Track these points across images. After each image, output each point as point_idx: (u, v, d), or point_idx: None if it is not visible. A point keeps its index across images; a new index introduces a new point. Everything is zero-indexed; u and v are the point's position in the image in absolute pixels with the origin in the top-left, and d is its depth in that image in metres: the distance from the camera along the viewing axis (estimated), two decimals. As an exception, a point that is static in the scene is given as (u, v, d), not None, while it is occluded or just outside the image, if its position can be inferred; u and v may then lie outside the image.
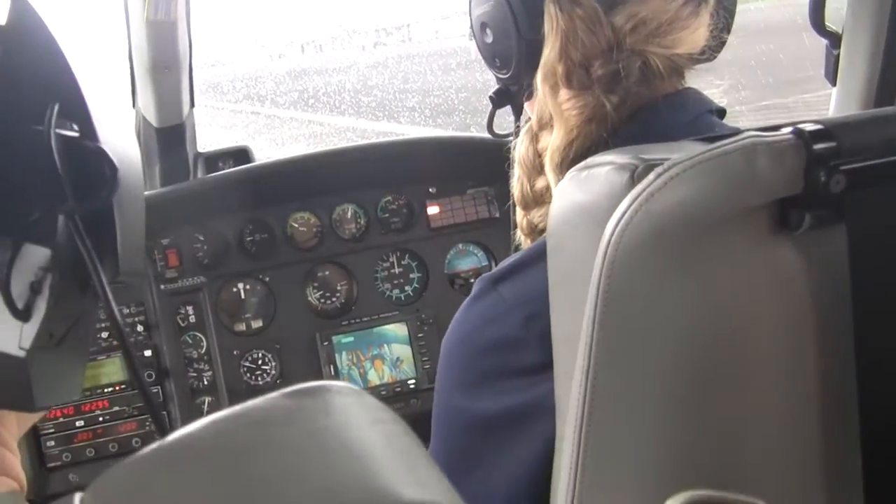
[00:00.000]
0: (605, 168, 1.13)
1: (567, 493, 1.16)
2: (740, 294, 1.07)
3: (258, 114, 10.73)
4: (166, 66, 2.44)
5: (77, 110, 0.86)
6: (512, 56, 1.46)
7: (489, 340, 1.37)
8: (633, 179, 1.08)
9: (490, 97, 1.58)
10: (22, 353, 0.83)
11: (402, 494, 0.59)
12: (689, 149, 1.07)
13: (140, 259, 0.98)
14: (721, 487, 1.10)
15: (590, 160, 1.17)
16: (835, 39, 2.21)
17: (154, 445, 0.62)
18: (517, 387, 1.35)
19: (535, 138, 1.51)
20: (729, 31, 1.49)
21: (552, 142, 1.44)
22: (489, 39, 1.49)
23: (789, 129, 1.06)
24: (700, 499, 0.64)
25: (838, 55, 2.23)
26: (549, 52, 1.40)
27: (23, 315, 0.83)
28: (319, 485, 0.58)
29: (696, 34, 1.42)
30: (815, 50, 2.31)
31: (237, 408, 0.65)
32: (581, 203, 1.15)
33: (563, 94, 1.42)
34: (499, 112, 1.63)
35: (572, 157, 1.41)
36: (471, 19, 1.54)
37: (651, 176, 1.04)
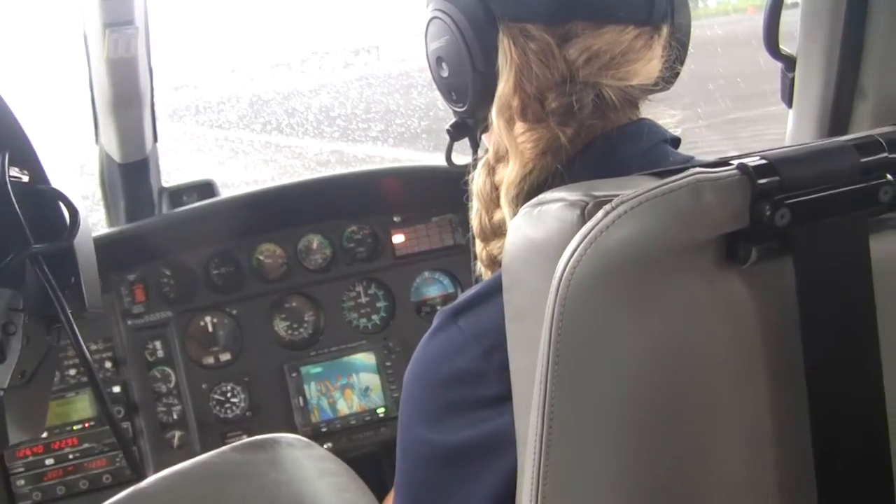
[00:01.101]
0: (556, 205, 1.13)
1: None
2: (691, 327, 1.08)
3: (227, 139, 10.72)
4: (128, 102, 2.45)
5: (26, 156, 0.87)
6: (467, 90, 1.47)
7: (450, 373, 1.38)
8: (584, 216, 1.09)
9: (447, 130, 1.59)
10: (0, 393, 0.84)
11: None
12: (638, 184, 1.08)
13: (98, 293, 0.99)
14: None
15: (542, 196, 1.18)
16: (789, 63, 2.23)
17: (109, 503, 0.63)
18: (479, 419, 1.35)
19: (491, 171, 1.52)
20: (682, 63, 1.51)
21: (507, 175, 1.45)
22: (445, 73, 1.50)
23: (734, 164, 1.08)
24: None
25: (793, 78, 2.25)
26: (504, 85, 1.41)
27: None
28: None
29: (650, 66, 1.44)
30: (774, 64, 2.33)
31: (187, 463, 0.66)
32: (534, 239, 1.16)
33: (519, 126, 1.44)
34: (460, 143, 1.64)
35: (527, 189, 1.43)
36: (426, 53, 1.55)
37: (600, 213, 1.05)
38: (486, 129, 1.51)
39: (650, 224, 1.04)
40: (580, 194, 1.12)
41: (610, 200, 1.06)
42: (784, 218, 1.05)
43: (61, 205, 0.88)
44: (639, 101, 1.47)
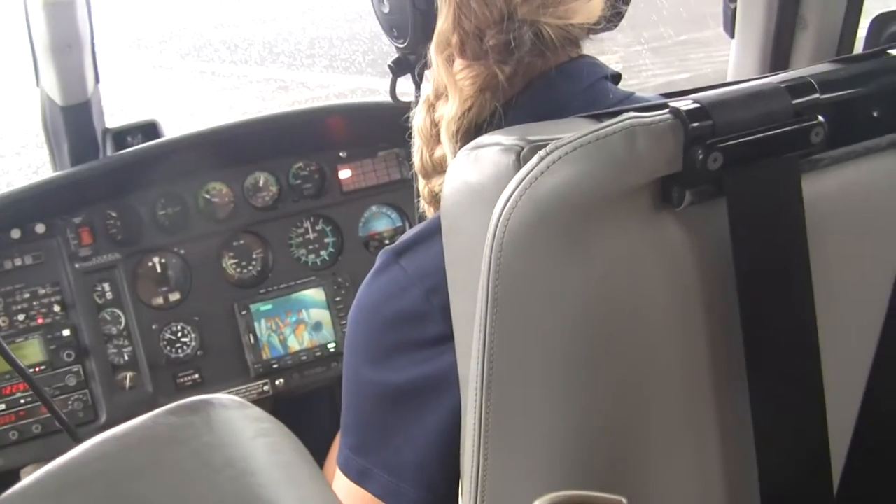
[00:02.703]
0: (492, 149, 1.14)
1: (472, 464, 1.19)
2: (628, 272, 1.09)
3: (171, 68, 10.61)
4: (67, 45, 2.42)
5: None
6: (407, 26, 1.46)
7: (392, 314, 1.39)
8: (519, 161, 1.10)
9: (389, 66, 1.59)
10: None
11: None
12: (575, 127, 1.09)
13: None
14: (618, 465, 1.13)
15: (479, 140, 1.18)
16: (731, -8, 2.24)
17: (41, 472, 0.63)
18: (422, 358, 1.36)
19: (431, 108, 1.53)
20: (627, 2, 1.51)
21: (447, 112, 1.45)
22: (385, 9, 1.50)
23: (668, 108, 1.08)
24: (565, 499, 0.66)
25: (735, 9, 2.26)
26: (443, 22, 1.41)
27: None
28: None
29: (591, 4, 1.43)
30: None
31: (122, 427, 0.66)
32: (471, 183, 1.17)
33: (458, 64, 1.44)
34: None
35: (466, 126, 1.44)
36: None
37: (534, 159, 1.06)
38: (427, 65, 1.51)
39: (584, 170, 1.04)
40: (516, 139, 1.13)
41: (545, 145, 1.07)
42: (717, 162, 1.06)
43: None
44: (580, 39, 1.47)
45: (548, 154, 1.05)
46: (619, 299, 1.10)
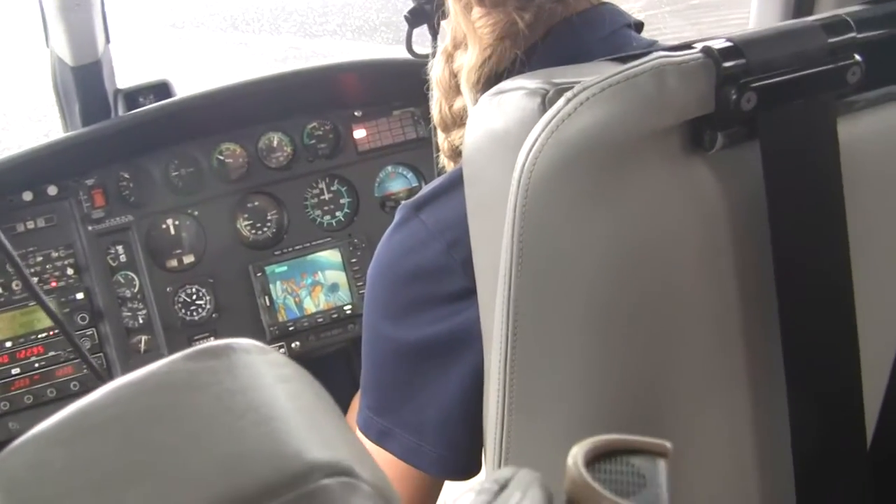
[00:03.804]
0: (516, 93, 1.11)
1: (496, 422, 1.16)
2: (657, 216, 1.06)
3: (180, 39, 10.57)
4: (76, 3, 2.38)
5: None
6: None
7: (413, 268, 1.37)
8: (545, 104, 1.07)
9: (405, 16, 1.57)
10: None
11: (308, 456, 0.58)
12: (601, 70, 1.06)
13: None
14: (645, 419, 1.10)
15: (501, 85, 1.15)
16: (752, -55, 2.20)
17: (53, 419, 0.60)
18: (444, 314, 1.34)
19: (450, 59, 1.50)
20: None
21: (466, 61, 1.43)
22: None
23: (699, 47, 1.05)
24: (606, 443, 0.63)
25: (757, -44, 2.22)
26: None
27: None
28: (226, 451, 0.58)
29: None
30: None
31: (139, 372, 0.63)
32: (494, 130, 1.14)
33: (476, 11, 1.41)
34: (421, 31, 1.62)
35: (487, 75, 1.41)
36: None
37: (560, 101, 1.03)
38: (444, 14, 1.48)
39: (613, 111, 1.01)
40: (540, 82, 1.09)
41: (571, 88, 1.04)
42: (750, 102, 1.03)
43: None
44: None
45: (574, 96, 1.02)
46: (647, 244, 1.07)
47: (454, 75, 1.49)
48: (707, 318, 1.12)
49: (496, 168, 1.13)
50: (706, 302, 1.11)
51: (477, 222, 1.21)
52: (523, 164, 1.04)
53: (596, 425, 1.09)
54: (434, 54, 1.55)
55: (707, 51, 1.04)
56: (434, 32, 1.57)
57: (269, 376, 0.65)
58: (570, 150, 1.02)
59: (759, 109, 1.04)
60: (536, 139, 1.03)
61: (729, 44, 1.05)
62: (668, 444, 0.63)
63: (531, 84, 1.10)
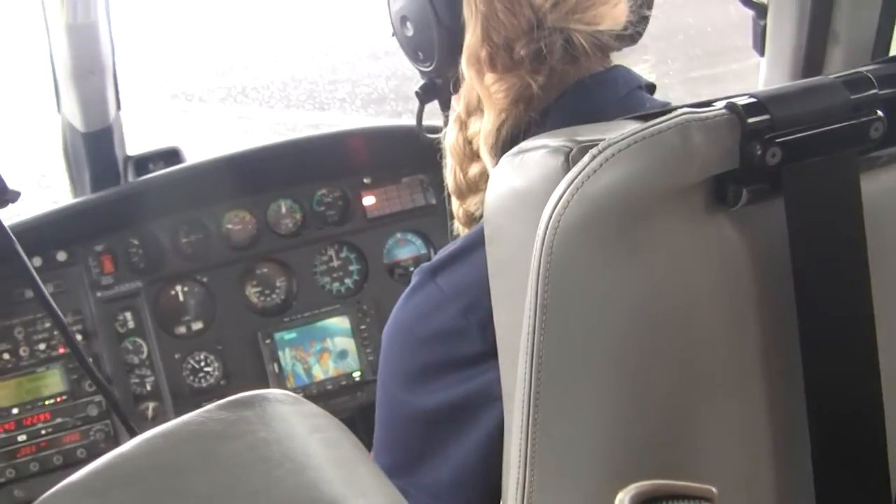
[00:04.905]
0: (538, 152, 1.11)
1: (517, 482, 1.15)
2: (681, 273, 1.06)
3: (186, 112, 10.61)
4: (90, 70, 2.40)
5: None
6: (434, 47, 1.45)
7: (429, 332, 1.37)
8: (568, 162, 1.07)
9: (416, 93, 1.57)
10: None
11: None
12: (622, 128, 1.06)
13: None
14: (673, 471, 1.09)
15: (523, 144, 1.16)
16: (761, 10, 2.21)
17: (86, 470, 0.60)
18: (459, 378, 1.34)
19: (463, 126, 1.51)
20: (650, 7, 1.48)
21: (483, 126, 1.44)
22: (410, 33, 1.48)
23: (722, 103, 1.05)
24: (651, 488, 0.62)
25: (765, 26, 2.23)
26: (471, 36, 1.39)
27: None
28: (265, 499, 0.57)
29: (617, 9, 1.41)
30: (743, 18, 2.31)
31: (170, 424, 0.62)
32: (516, 188, 1.14)
33: (489, 77, 1.42)
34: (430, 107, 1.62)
35: (504, 139, 1.41)
36: (390, 15, 1.53)
37: (586, 158, 1.03)
38: (455, 88, 1.50)
39: (638, 167, 1.01)
40: (563, 140, 1.10)
41: (595, 145, 1.04)
42: (775, 157, 1.03)
43: None
44: (610, 49, 1.45)
45: (600, 152, 1.02)
46: (672, 302, 1.07)
47: (468, 142, 1.49)
48: (731, 371, 1.11)
49: (519, 226, 1.13)
50: (730, 355, 1.10)
51: (499, 280, 1.21)
52: (548, 221, 1.04)
53: (620, 479, 1.08)
54: (446, 122, 1.55)
55: (731, 107, 1.04)
56: (445, 106, 1.57)
57: (303, 426, 0.64)
58: (595, 206, 1.02)
59: (783, 165, 1.04)
60: (562, 196, 1.03)
61: (753, 100, 1.05)
62: (713, 490, 0.62)
63: (554, 142, 1.10)
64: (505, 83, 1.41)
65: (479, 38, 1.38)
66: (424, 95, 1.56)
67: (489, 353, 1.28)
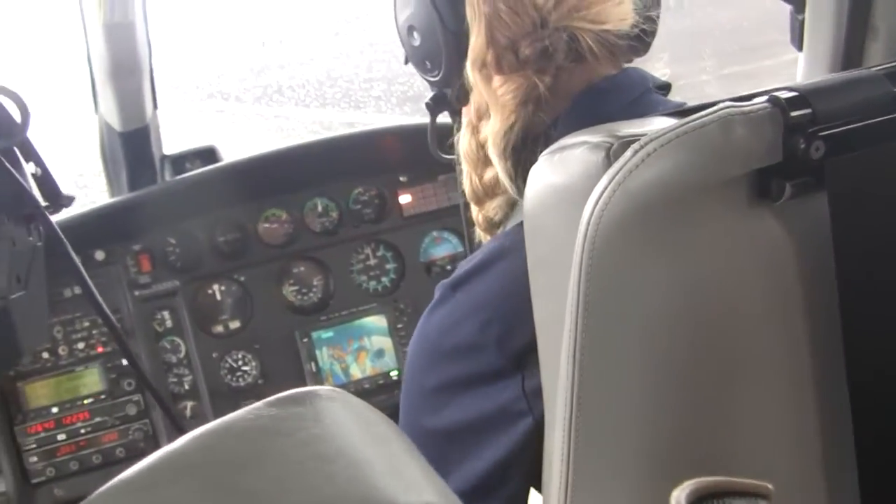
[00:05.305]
0: (578, 148, 1.11)
1: (560, 480, 1.15)
2: (723, 267, 1.06)
3: (223, 111, 10.65)
4: (127, 70, 2.41)
5: None
6: (441, 53, 1.46)
7: (449, 347, 1.39)
8: (609, 157, 1.07)
9: (426, 104, 1.57)
10: (2, 304, 0.81)
11: (399, 500, 0.57)
12: (660, 123, 1.06)
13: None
14: (718, 467, 1.09)
15: (561, 142, 1.16)
16: (799, 4, 2.20)
17: (138, 466, 0.60)
18: (477, 395, 1.36)
19: (475, 130, 1.51)
20: (658, 6, 1.47)
21: (491, 128, 1.44)
22: (417, 42, 1.49)
23: (764, 97, 1.05)
24: (708, 485, 0.62)
25: (803, 20, 2.22)
26: (476, 39, 1.40)
27: None
28: (317, 497, 0.57)
29: (621, 8, 1.41)
30: (778, 14, 2.30)
31: (221, 420, 0.63)
32: (556, 185, 1.14)
33: (496, 80, 1.43)
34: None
35: (514, 142, 1.42)
36: (398, 28, 1.54)
37: (628, 153, 1.02)
38: (465, 100, 1.50)
39: (680, 162, 1.01)
40: (603, 135, 1.10)
41: (635, 140, 1.04)
42: (819, 151, 1.03)
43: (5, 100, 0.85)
44: (617, 49, 1.44)
45: (642, 147, 1.02)
46: (714, 296, 1.06)
47: (481, 146, 1.50)
48: (775, 367, 1.11)
49: (559, 222, 1.13)
50: (774, 351, 1.10)
51: (539, 277, 1.21)
52: (590, 217, 1.03)
53: (665, 476, 1.08)
54: (459, 128, 1.56)
55: (774, 100, 1.03)
56: (456, 117, 1.57)
57: (354, 422, 0.64)
58: (638, 200, 1.01)
59: (826, 158, 1.03)
60: (604, 191, 1.03)
61: (795, 93, 1.04)
62: (769, 486, 0.62)
63: (594, 138, 1.10)
64: (512, 84, 1.41)
65: (484, 39, 1.40)
66: (435, 107, 1.56)
67: (507, 369, 1.31)
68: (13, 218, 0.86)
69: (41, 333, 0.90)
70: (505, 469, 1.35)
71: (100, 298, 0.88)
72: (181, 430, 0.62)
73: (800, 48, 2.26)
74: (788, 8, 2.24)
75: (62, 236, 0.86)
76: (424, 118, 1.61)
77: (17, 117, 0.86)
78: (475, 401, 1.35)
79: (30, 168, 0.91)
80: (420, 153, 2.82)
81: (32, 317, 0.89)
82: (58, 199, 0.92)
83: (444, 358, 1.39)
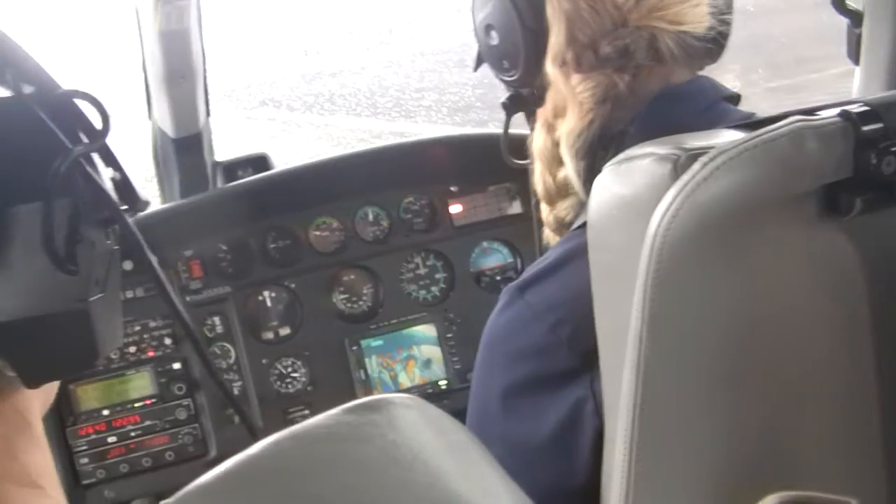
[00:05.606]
0: (645, 160, 1.11)
1: (621, 493, 1.14)
2: (791, 282, 1.05)
3: (274, 119, 10.69)
4: (181, 76, 2.42)
5: (31, 70, 0.85)
6: (519, 52, 1.45)
7: (517, 349, 1.38)
8: (676, 170, 1.06)
9: (503, 104, 1.57)
10: (83, 307, 0.82)
11: None
12: (727, 136, 1.05)
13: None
14: (781, 481, 1.08)
15: (629, 152, 1.15)
16: (856, 18, 2.18)
17: (213, 472, 0.60)
18: (549, 399, 1.34)
19: (550, 128, 1.50)
20: (730, 9, 1.47)
21: (567, 126, 1.44)
22: (494, 41, 1.49)
23: (834, 111, 1.04)
24: (792, 499, 0.62)
25: (860, 34, 2.20)
26: (556, 37, 1.40)
27: (70, 269, 0.82)
28: (399, 502, 0.57)
29: (698, 10, 1.41)
30: (832, 27, 2.29)
31: (297, 427, 0.63)
32: (622, 196, 1.13)
33: (575, 78, 1.42)
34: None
35: (590, 140, 1.42)
36: (475, 28, 1.54)
37: (696, 165, 1.02)
38: (541, 101, 1.50)
39: (750, 175, 1.00)
40: (671, 147, 1.09)
41: (703, 153, 1.03)
42: (890, 166, 1.02)
43: (84, 105, 0.86)
44: (694, 51, 1.43)
45: (711, 160, 1.01)
46: (780, 311, 1.06)
47: (556, 144, 1.49)
48: (839, 382, 1.10)
49: (624, 233, 1.12)
50: (841, 366, 1.09)
51: (602, 288, 1.20)
52: (657, 229, 1.03)
53: (728, 490, 1.07)
54: (533, 127, 1.55)
55: (846, 114, 1.03)
56: (532, 118, 1.57)
57: (430, 429, 0.64)
58: (705, 213, 1.01)
59: (898, 174, 1.02)
60: (671, 203, 1.02)
61: (867, 108, 1.04)
62: (853, 502, 0.61)
63: (661, 150, 1.09)
64: (591, 82, 1.41)
65: (564, 38, 1.39)
66: (511, 106, 1.56)
67: (579, 370, 1.30)
68: (92, 221, 0.86)
69: (116, 336, 0.90)
70: (576, 478, 1.34)
71: (178, 302, 0.88)
72: (255, 436, 0.62)
73: (856, 62, 2.24)
74: (845, 21, 2.22)
75: (142, 240, 0.86)
76: (476, 129, 1.61)
77: (98, 123, 0.87)
78: (545, 406, 1.35)
79: (108, 172, 0.92)
80: (471, 163, 2.84)
81: (109, 319, 0.89)
82: (136, 204, 0.93)
83: (513, 360, 1.38)
